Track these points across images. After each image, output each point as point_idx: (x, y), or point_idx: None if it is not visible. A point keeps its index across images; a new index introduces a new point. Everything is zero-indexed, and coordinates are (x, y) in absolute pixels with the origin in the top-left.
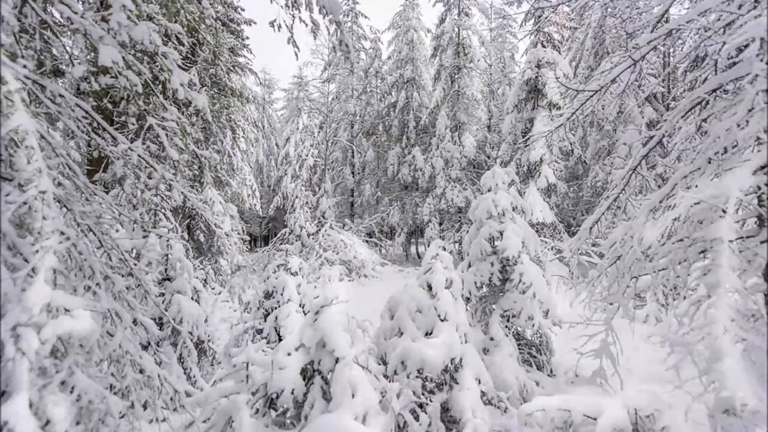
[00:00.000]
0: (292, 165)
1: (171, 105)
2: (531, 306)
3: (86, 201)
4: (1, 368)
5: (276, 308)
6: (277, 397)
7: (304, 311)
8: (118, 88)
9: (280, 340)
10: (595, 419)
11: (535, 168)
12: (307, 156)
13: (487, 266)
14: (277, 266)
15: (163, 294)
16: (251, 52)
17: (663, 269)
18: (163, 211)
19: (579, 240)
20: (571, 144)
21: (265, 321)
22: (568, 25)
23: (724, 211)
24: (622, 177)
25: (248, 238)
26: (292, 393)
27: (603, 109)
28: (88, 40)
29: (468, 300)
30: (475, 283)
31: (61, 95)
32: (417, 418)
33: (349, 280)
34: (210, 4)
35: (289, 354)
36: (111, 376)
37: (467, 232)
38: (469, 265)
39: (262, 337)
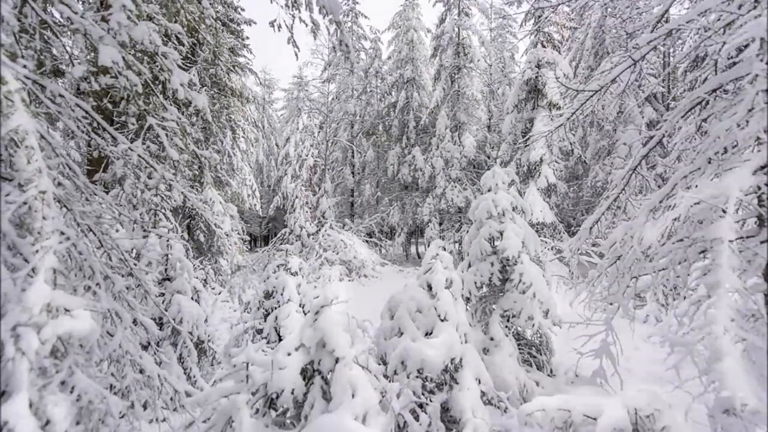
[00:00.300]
0: (292, 165)
1: (171, 105)
2: (531, 306)
3: (86, 201)
4: (1, 368)
5: (276, 308)
6: (277, 397)
7: (304, 311)
8: (118, 88)
9: (280, 340)
10: (595, 419)
11: (535, 168)
12: (307, 156)
13: (487, 266)
14: (277, 266)
15: (163, 294)
16: (251, 52)
17: (663, 269)
18: (163, 211)
19: (579, 240)
20: (571, 144)
21: (265, 321)
22: (568, 25)
23: (724, 211)
24: (622, 177)
25: (248, 238)
26: (292, 393)
27: (603, 109)
28: (88, 40)
29: (468, 300)
30: (475, 283)
31: (61, 95)
32: (417, 418)
33: (349, 280)
34: (210, 4)
35: (289, 354)
36: (111, 376)
37: (467, 232)
38: (469, 265)
39: (262, 337)
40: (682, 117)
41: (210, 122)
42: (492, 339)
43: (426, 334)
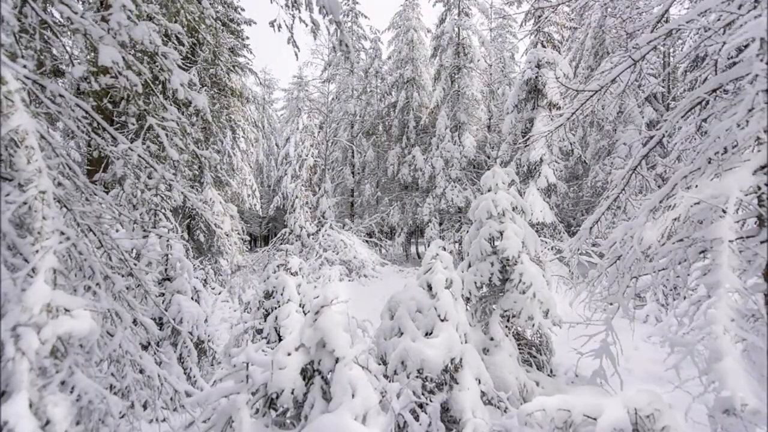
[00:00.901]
0: (292, 165)
1: (171, 105)
2: (531, 306)
3: (86, 201)
4: (1, 368)
5: (276, 308)
6: (277, 397)
7: (304, 311)
8: (118, 88)
9: (280, 340)
10: (595, 419)
11: (535, 168)
12: (307, 156)
13: (487, 266)
14: (277, 266)
15: (163, 294)
16: (251, 52)
17: (663, 269)
18: (163, 211)
19: (579, 240)
20: (571, 144)
21: (265, 321)
22: (568, 25)
23: (724, 211)
24: (622, 177)
25: (248, 238)
26: (292, 393)
27: (603, 109)
28: (88, 40)
29: (468, 300)
30: (475, 283)
31: (61, 95)
32: (417, 418)
33: (349, 280)
34: (210, 4)
35: (289, 354)
36: (111, 376)
37: (467, 232)
38: (469, 265)
39: (262, 337)
40: (682, 117)
41: (210, 122)
42: (492, 339)
43: (426, 334)
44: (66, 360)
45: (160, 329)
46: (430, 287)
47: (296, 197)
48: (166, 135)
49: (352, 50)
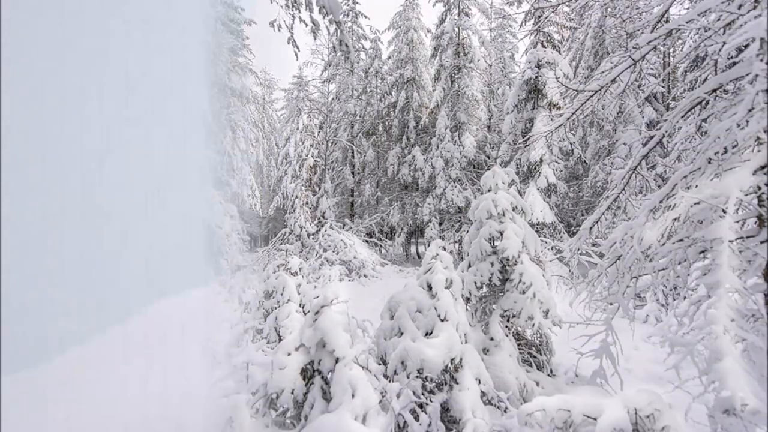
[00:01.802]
0: (292, 165)
1: None
2: (531, 306)
3: None
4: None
5: (276, 308)
6: (277, 397)
7: (304, 311)
8: None
9: (280, 340)
10: (595, 419)
11: (535, 168)
12: (307, 156)
13: (487, 266)
14: (277, 266)
15: None
16: (251, 52)
17: (663, 269)
18: None
19: (579, 240)
20: (571, 144)
21: (265, 321)
22: (568, 25)
23: (724, 211)
24: (622, 177)
25: (248, 238)
26: (292, 393)
27: (603, 109)
28: None
29: (468, 300)
30: (475, 283)
31: None
32: (417, 418)
33: (349, 280)
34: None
35: (289, 354)
36: None
37: (467, 232)
38: (469, 265)
39: (262, 337)
40: (682, 117)
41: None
42: (492, 339)
43: (426, 334)
44: None
45: None
46: (430, 287)
47: (296, 197)
48: None
49: (352, 50)
